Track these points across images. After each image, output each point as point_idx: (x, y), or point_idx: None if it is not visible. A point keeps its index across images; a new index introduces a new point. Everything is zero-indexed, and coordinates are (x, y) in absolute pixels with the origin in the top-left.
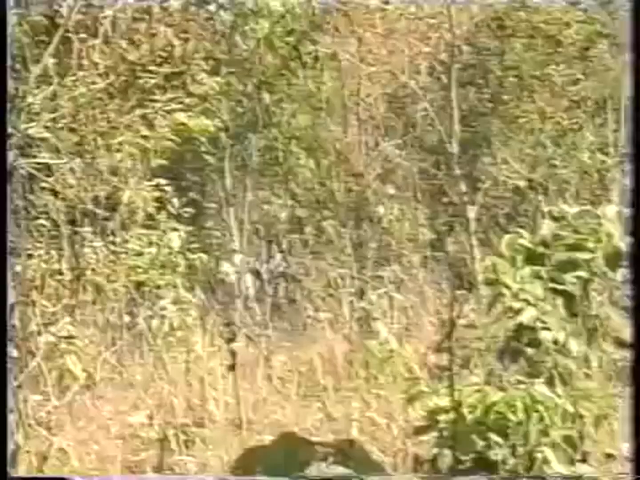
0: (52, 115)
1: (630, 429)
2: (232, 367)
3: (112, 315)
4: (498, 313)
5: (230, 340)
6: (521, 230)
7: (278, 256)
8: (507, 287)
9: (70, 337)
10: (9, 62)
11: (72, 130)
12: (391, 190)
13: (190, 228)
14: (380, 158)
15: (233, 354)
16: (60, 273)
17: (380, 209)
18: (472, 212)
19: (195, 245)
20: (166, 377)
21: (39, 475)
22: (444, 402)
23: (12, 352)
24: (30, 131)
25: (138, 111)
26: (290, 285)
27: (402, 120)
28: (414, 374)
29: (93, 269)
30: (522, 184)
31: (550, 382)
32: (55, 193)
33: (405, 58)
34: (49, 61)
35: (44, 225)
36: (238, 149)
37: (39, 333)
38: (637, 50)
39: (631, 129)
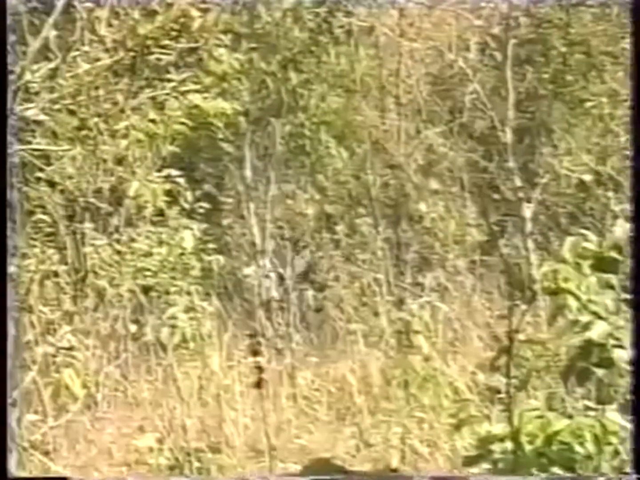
0: (52, 96)
1: (630, 429)
2: (258, 384)
3: (116, 324)
4: (561, 327)
5: (255, 353)
6: (586, 232)
7: (304, 259)
8: (573, 297)
9: (70, 348)
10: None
11: (72, 113)
12: (435, 184)
13: (205, 226)
14: (423, 148)
15: (259, 369)
16: (59, 275)
17: (422, 206)
18: (528, 210)
19: (211, 246)
20: (177, 395)
21: (39, 475)
22: (498, 429)
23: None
24: (27, 113)
25: (147, 92)
26: (318, 292)
27: (448, 104)
28: (462, 395)
29: (95, 271)
30: (588, 178)
31: (624, 409)
32: (52, 184)
33: (453, 32)
34: (50, 34)
35: (40, 221)
36: (260, 136)
37: (36, 343)
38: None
39: None
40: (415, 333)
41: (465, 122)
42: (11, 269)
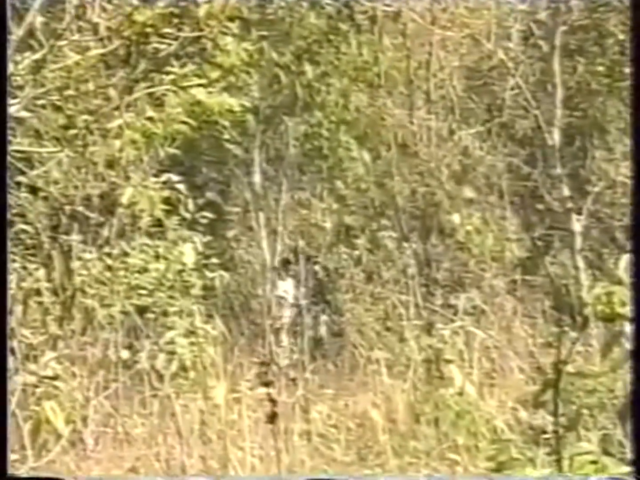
0: (36, 91)
1: (630, 429)
2: (271, 419)
3: (107, 349)
4: (616, 359)
5: (266, 383)
6: None
7: (321, 276)
8: (631, 324)
9: (54, 377)
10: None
11: (59, 109)
12: (469, 192)
13: (208, 238)
14: (456, 151)
15: (272, 401)
16: (42, 294)
17: (455, 218)
18: (578, 223)
19: (215, 261)
20: (176, 432)
21: (39, 475)
22: (544, 473)
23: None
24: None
25: (144, 86)
26: (336, 315)
27: (486, 101)
28: (501, 435)
29: (83, 290)
30: None
31: None
32: (35, 190)
33: (492, 19)
34: (36, 20)
35: (21, 232)
36: (271, 137)
37: (16, 371)
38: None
39: None
40: (446, 362)
41: (506, 122)
42: None
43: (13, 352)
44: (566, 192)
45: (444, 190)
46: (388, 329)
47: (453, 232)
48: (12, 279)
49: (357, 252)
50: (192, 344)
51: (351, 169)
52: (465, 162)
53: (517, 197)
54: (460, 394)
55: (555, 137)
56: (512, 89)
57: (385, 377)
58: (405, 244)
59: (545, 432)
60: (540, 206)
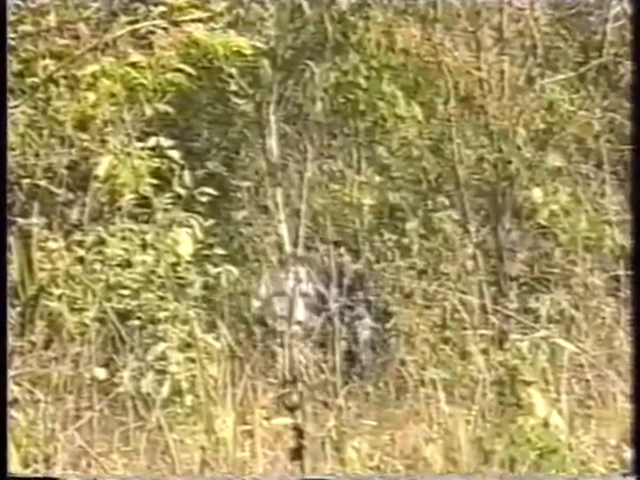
0: None
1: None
2: (296, 454)
3: (78, 367)
4: None
5: (291, 409)
6: None
7: (357, 271)
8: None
9: (11, 402)
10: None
11: (13, 51)
12: (556, 161)
13: (210, 222)
14: (538, 105)
15: (298, 431)
16: None
17: (536, 194)
18: None
19: (218, 252)
20: (169, 475)
21: (39, 475)
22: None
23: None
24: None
25: (125, 20)
26: (378, 322)
27: (578, 38)
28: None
29: (47, 290)
30: None
31: None
32: None
33: None
34: None
35: None
36: (292, 89)
37: None
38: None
39: None
40: (525, 385)
41: (606, 65)
42: None
43: None
44: None
45: (520, 157)
46: (446, 340)
47: (533, 212)
48: None
49: (405, 240)
50: (189, 359)
51: (397, 130)
52: (549, 119)
53: (619, 166)
54: (545, 425)
55: None
56: (615, 19)
57: (442, 403)
58: (468, 229)
59: None
60: None
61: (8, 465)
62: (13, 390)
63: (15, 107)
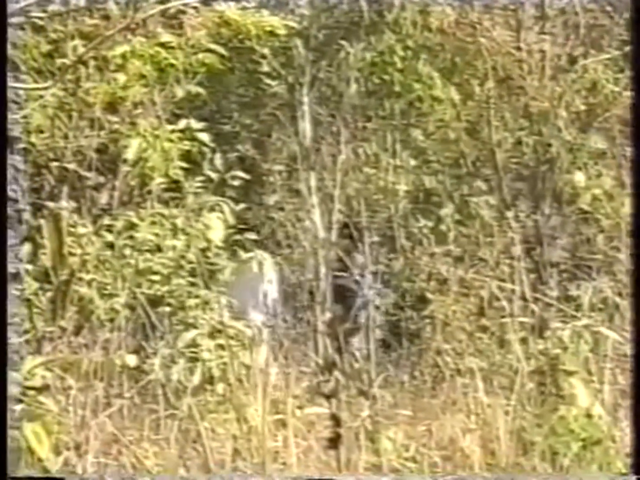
0: (11, 5)
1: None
2: (334, 443)
3: (108, 354)
4: None
5: (329, 396)
6: None
7: (392, 257)
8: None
9: (40, 389)
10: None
11: (41, 31)
12: (599, 143)
13: (241, 206)
14: (581, 85)
15: (336, 419)
16: (23, 281)
17: (578, 178)
18: None
19: (250, 237)
20: (201, 464)
21: (39, 475)
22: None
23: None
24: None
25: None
26: (414, 310)
27: (625, 15)
28: None
29: (77, 275)
30: None
31: None
32: (11, 141)
33: None
34: None
35: None
36: (325, 70)
37: None
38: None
39: None
40: (566, 375)
41: None
42: None
43: None
44: None
45: (562, 140)
46: (484, 328)
47: (575, 197)
48: None
49: (441, 226)
50: (220, 347)
51: (433, 112)
52: (592, 100)
53: None
54: (588, 416)
55: None
56: None
57: (481, 393)
58: (507, 214)
59: None
60: None
61: (8, 465)
62: (42, 377)
63: (45, 89)
